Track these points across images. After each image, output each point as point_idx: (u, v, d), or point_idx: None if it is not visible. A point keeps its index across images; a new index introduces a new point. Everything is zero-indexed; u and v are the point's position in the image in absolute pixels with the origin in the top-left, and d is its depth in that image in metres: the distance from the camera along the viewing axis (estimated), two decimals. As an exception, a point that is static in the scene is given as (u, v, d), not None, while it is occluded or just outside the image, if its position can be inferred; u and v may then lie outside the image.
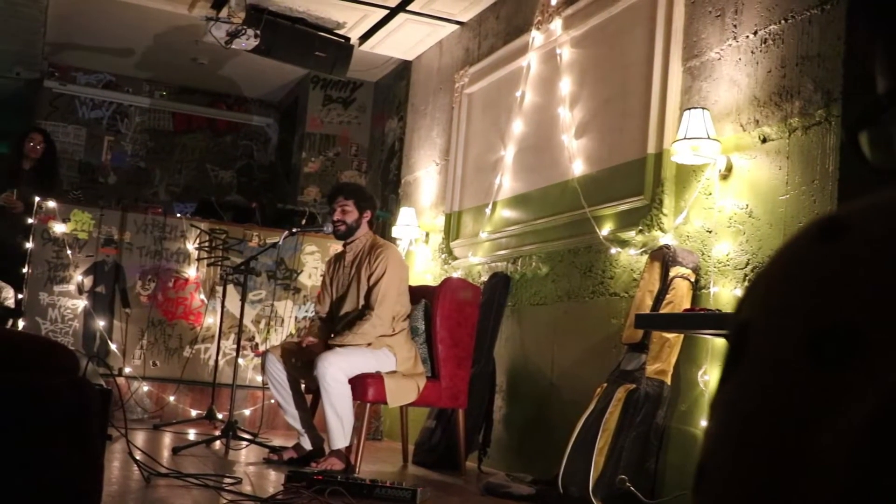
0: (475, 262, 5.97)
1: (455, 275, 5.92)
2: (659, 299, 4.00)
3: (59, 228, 6.45)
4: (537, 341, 5.18)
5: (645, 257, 4.28)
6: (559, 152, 5.23)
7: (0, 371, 1.38)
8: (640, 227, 4.35)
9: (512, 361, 5.36)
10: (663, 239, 4.22)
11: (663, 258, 4.05)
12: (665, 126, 4.33)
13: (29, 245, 6.38)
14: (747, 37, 3.95)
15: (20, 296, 6.32)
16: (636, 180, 4.49)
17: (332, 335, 4.80)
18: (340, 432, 4.50)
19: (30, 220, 6.41)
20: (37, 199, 6.44)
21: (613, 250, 4.58)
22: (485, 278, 5.73)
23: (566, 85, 5.25)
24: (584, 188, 4.87)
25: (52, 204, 6.48)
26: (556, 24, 5.37)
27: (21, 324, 6.12)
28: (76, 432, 1.50)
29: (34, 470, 1.41)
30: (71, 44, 8.63)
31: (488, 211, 5.87)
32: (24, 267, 6.36)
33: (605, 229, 4.65)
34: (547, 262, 5.20)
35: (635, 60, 4.69)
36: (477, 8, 6.48)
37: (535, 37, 5.59)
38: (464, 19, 6.72)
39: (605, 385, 4.10)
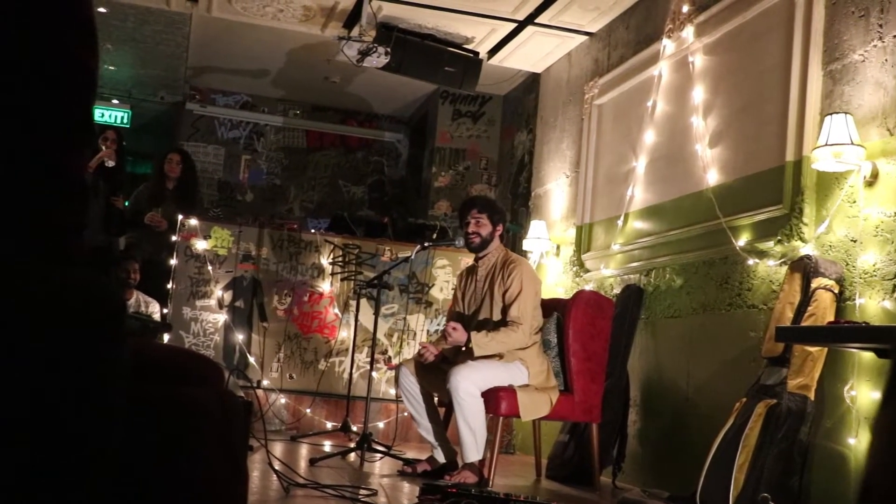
0: (607, 275, 5.90)
1: (587, 287, 5.86)
2: (800, 311, 3.86)
3: (200, 245, 6.69)
4: (672, 354, 5.07)
5: (784, 268, 4.15)
6: (692, 162, 5.12)
7: (153, 382, 1.44)
8: (779, 238, 4.22)
9: (646, 375, 5.27)
10: (804, 249, 4.08)
11: (804, 269, 3.91)
12: (804, 132, 4.19)
13: (173, 262, 6.63)
14: (895, 36, 3.78)
15: (165, 310, 6.56)
16: (774, 189, 4.35)
17: (470, 339, 4.78)
18: (473, 445, 4.50)
19: (173, 238, 6.66)
20: (179, 217, 6.69)
21: (751, 261, 4.45)
22: (617, 291, 5.66)
23: (699, 93, 5.14)
24: (719, 198, 4.76)
25: (193, 222, 6.72)
26: (688, 32, 5.27)
27: (166, 337, 6.36)
28: (223, 443, 1.54)
29: (185, 479, 1.45)
30: (210, 67, 8.97)
31: (620, 222, 5.80)
32: (168, 283, 6.61)
33: (742, 240, 4.53)
34: (681, 273, 5.09)
35: (772, 66, 4.55)
36: (606, 18, 6.43)
37: (667, 45, 5.50)
38: (592, 30, 6.67)
39: (745, 400, 3.97)
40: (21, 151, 1.28)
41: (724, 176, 4.83)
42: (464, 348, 4.69)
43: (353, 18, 6.81)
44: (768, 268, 4.34)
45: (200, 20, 7.46)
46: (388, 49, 6.60)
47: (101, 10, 7.12)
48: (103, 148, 6.76)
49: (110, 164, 6.63)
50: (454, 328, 4.63)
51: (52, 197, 1.27)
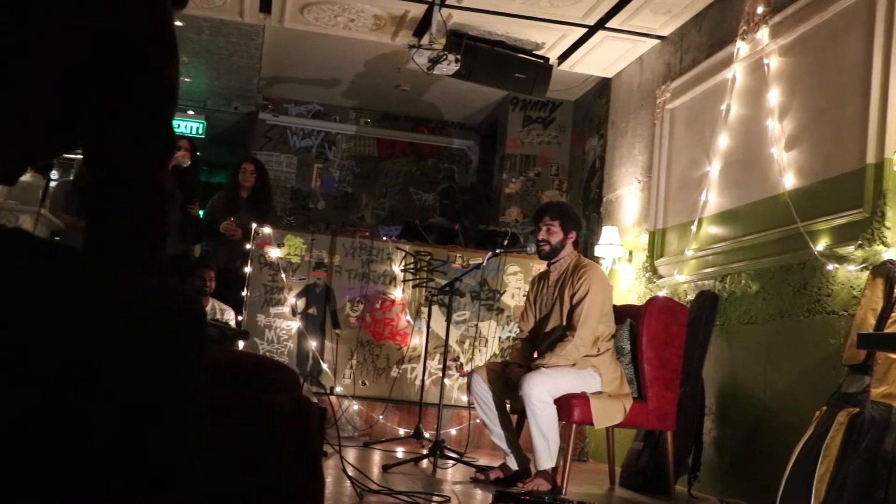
0: (681, 281, 5.82)
1: (660, 294, 5.79)
2: (883, 318, 3.76)
3: (273, 253, 6.77)
4: (748, 362, 4.98)
5: (866, 273, 4.05)
6: (768, 166, 5.03)
7: (232, 389, 1.46)
8: (860, 242, 4.12)
9: (722, 382, 5.18)
10: (886, 254, 3.97)
11: (887, 274, 3.81)
12: (886, 134, 4.08)
13: (247, 269, 6.72)
14: (977, 35, 3.67)
15: (240, 318, 6.66)
16: (854, 192, 4.25)
17: (535, 356, 4.80)
18: (546, 453, 4.48)
19: (248, 246, 6.75)
20: (253, 225, 6.78)
21: (830, 266, 4.35)
22: (691, 297, 5.58)
23: (774, 96, 5.05)
24: (796, 202, 4.66)
25: (267, 230, 6.81)
26: (763, 33, 5.18)
27: (241, 344, 6.44)
28: (300, 448, 1.56)
29: (265, 484, 1.47)
30: (283, 77, 9.09)
31: (694, 228, 5.72)
32: (243, 290, 6.70)
33: (821, 245, 4.43)
34: (757, 279, 5.00)
35: (850, 66, 4.45)
36: (678, 21, 6.36)
37: (740, 47, 5.42)
38: (664, 33, 6.61)
39: (825, 408, 3.88)
40: (105, 163, 1.31)
41: (801, 179, 4.74)
42: (534, 356, 4.67)
43: (423, 27, 6.84)
44: (849, 273, 4.24)
45: (273, 31, 7.56)
46: (458, 56, 6.61)
47: (178, 23, 7.26)
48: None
49: (186, 163, 6.70)
50: (513, 371, 4.66)
51: (136, 207, 1.30)
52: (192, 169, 6.86)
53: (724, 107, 5.56)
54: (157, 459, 1.13)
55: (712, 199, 5.63)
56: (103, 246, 1.30)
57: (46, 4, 1.26)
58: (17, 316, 1.09)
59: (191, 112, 9.82)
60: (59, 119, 1.31)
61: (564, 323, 4.74)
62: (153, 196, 1.31)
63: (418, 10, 6.64)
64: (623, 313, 4.98)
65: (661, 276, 6.12)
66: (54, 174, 5.88)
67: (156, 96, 1.34)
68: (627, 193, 7.02)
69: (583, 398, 4.51)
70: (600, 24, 6.59)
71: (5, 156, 1.25)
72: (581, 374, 4.58)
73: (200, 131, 9.84)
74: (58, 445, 1.09)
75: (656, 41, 6.76)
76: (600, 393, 4.58)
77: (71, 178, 6.53)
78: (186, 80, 9.02)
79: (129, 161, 1.31)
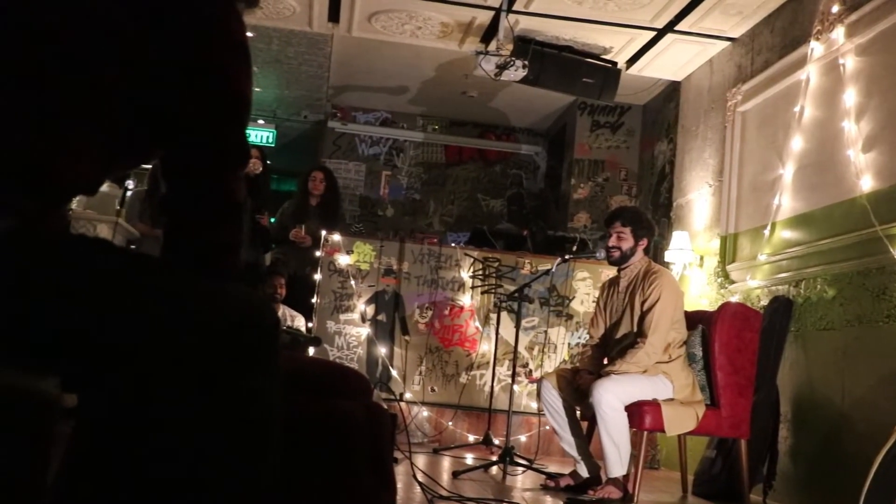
0: (754, 286, 5.72)
1: (732, 299, 5.70)
2: (966, 323, 3.65)
3: (343, 260, 6.83)
4: (825, 369, 4.87)
5: (948, 278, 3.93)
6: (844, 168, 4.92)
7: (306, 395, 1.47)
8: (942, 246, 4.01)
9: (797, 390, 5.08)
10: (969, 257, 3.86)
11: (970, 278, 3.70)
12: (968, 134, 3.97)
13: (317, 276, 6.78)
14: None
15: (310, 324, 6.72)
16: (935, 195, 4.14)
17: (605, 363, 4.76)
18: (617, 460, 4.43)
19: (317, 253, 6.82)
20: (323, 233, 6.84)
21: (910, 271, 4.24)
22: (764, 302, 5.48)
23: (851, 96, 4.94)
24: (874, 205, 4.55)
25: (336, 237, 6.87)
26: (838, 33, 5.08)
27: (311, 350, 6.50)
28: (372, 453, 1.57)
29: (338, 489, 1.48)
30: (351, 86, 9.17)
31: (767, 232, 5.62)
32: (313, 297, 6.77)
33: (900, 248, 4.32)
34: (833, 284, 4.89)
35: (930, 65, 4.34)
36: (749, 23, 6.26)
37: (815, 48, 5.31)
38: (735, 35, 6.51)
39: (906, 417, 3.78)
40: (182, 173, 1.33)
41: (879, 182, 4.62)
42: (604, 362, 4.63)
43: (490, 33, 6.85)
44: (929, 277, 4.13)
45: (341, 40, 7.63)
46: (526, 62, 6.60)
47: (248, 34, 7.37)
48: None
49: (257, 171, 6.77)
50: (583, 378, 4.63)
51: (212, 215, 1.32)
52: (262, 177, 6.94)
53: (797, 108, 5.46)
54: (232, 466, 1.14)
55: (786, 202, 5.53)
56: (180, 254, 1.32)
57: (124, 18, 1.29)
58: (101, 321, 1.12)
59: (261, 121, 9.96)
60: (138, 130, 1.34)
61: (635, 329, 4.69)
62: (228, 205, 1.33)
63: (485, 16, 6.65)
64: (694, 319, 4.92)
65: (733, 282, 6.02)
66: (129, 184, 6.00)
67: (230, 107, 1.36)
68: (698, 198, 6.92)
69: (654, 405, 4.46)
70: (669, 27, 6.52)
71: (88, 167, 1.28)
72: (652, 380, 4.53)
73: (270, 140, 9.97)
74: (145, 451, 1.11)
75: (727, 43, 6.66)
76: (672, 400, 4.53)
77: (144, 187, 6.66)
78: (257, 89, 9.15)
79: (204, 171, 1.33)
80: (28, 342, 1.12)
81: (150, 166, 5.96)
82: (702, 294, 6.48)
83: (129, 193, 5.97)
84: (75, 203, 5.88)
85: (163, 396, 1.11)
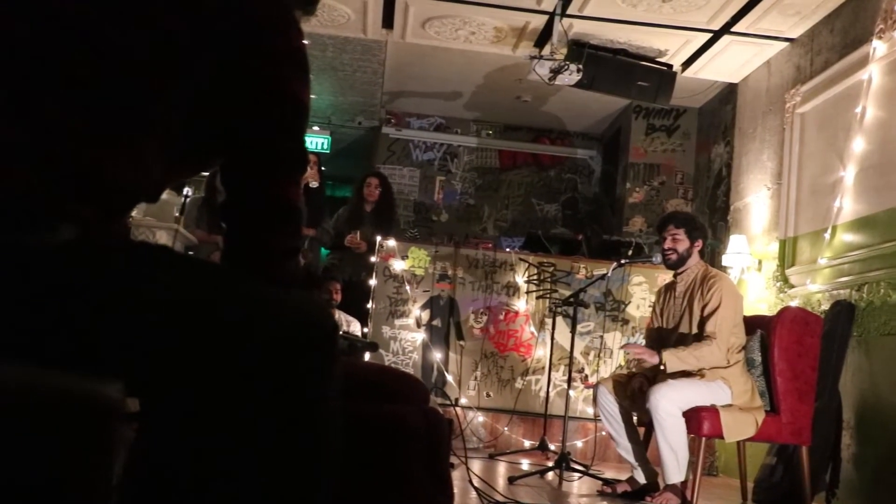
0: (814, 290, 5.63)
1: (792, 304, 5.61)
2: None
3: (398, 265, 6.85)
4: (890, 375, 4.77)
5: None
6: (908, 169, 4.83)
7: (364, 400, 1.48)
8: None
9: (861, 396, 4.98)
10: None
11: None
12: None
13: (372, 282, 6.82)
14: None
15: (365, 329, 6.75)
16: None
17: (662, 368, 4.70)
18: (675, 467, 4.39)
19: (372, 259, 6.85)
20: (378, 238, 6.87)
21: (977, 274, 4.14)
22: (825, 307, 5.39)
23: (914, 96, 4.84)
24: (938, 207, 4.46)
25: (391, 243, 6.89)
26: (900, 32, 4.98)
27: (367, 356, 6.53)
28: (430, 459, 1.57)
29: (396, 494, 1.48)
30: (405, 91, 9.21)
31: (827, 235, 5.53)
32: (368, 302, 6.80)
33: (967, 251, 4.22)
34: (897, 288, 4.79)
35: None
36: (808, 23, 6.17)
37: (877, 47, 5.21)
38: (793, 35, 6.42)
39: (974, 424, 3.69)
40: (242, 180, 1.35)
41: (943, 183, 4.52)
42: (661, 366, 4.57)
43: (544, 37, 6.83)
44: None
45: (395, 46, 7.67)
46: (580, 66, 6.57)
47: (303, 41, 7.44)
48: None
49: (314, 184, 6.84)
50: (641, 353, 4.58)
51: (271, 222, 1.33)
52: (318, 190, 6.93)
53: (858, 109, 5.36)
54: (293, 470, 1.15)
55: (847, 205, 5.43)
56: (240, 260, 1.34)
57: (181, 26, 1.30)
58: (165, 328, 1.13)
59: (316, 128, 10.03)
60: (197, 138, 1.36)
61: (694, 333, 4.64)
62: (288, 211, 1.34)
63: (539, 21, 6.63)
64: (753, 324, 4.85)
65: (792, 286, 5.93)
66: (187, 191, 6.08)
67: (289, 114, 1.37)
68: (756, 201, 6.83)
69: (712, 411, 4.41)
70: (726, 29, 6.45)
71: (149, 175, 1.30)
72: (710, 386, 4.47)
73: (325, 146, 10.04)
74: (206, 454, 1.12)
75: (785, 44, 6.57)
76: (730, 406, 4.47)
77: (201, 194, 6.74)
78: (312, 96, 9.18)
79: (264, 178, 1.34)
80: (92, 349, 1.14)
81: (206, 174, 6.05)
82: (760, 298, 6.39)
83: (186, 201, 6.05)
84: (135, 210, 5.97)
85: (224, 401, 1.12)
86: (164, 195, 5.82)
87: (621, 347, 4.81)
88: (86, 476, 1.08)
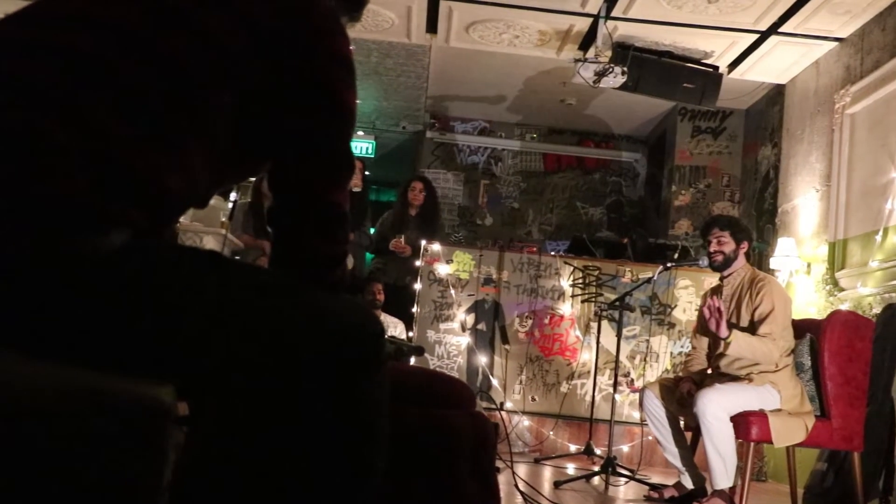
0: (865, 294, 5.54)
1: (842, 307, 5.53)
2: None
3: (442, 270, 6.86)
4: (943, 379, 4.69)
5: None
6: (961, 170, 4.74)
7: (410, 404, 1.49)
8: None
9: (913, 401, 4.89)
10: None
11: None
12: None
13: (417, 286, 6.83)
14: None
15: (410, 333, 6.76)
16: None
17: (709, 372, 4.66)
18: (723, 472, 4.34)
19: (417, 263, 6.87)
20: (422, 242, 6.89)
21: None
22: (877, 310, 5.30)
23: (967, 96, 4.75)
24: None
25: (436, 247, 6.90)
26: (952, 31, 4.89)
27: (412, 360, 6.54)
28: (476, 463, 1.57)
29: (444, 497, 1.49)
30: (449, 96, 9.22)
31: (878, 238, 5.44)
32: (413, 306, 6.81)
33: None
34: (951, 291, 4.71)
35: None
36: (858, 22, 6.08)
37: (927, 46, 5.13)
38: (843, 35, 6.33)
39: None
40: (289, 184, 1.36)
41: None
42: (723, 341, 4.49)
43: (588, 40, 6.81)
44: None
45: (439, 50, 7.68)
46: (625, 68, 6.54)
47: (350, 47, 7.48)
48: None
49: (356, 189, 6.88)
50: (719, 320, 4.47)
51: (319, 226, 1.35)
52: (361, 194, 6.98)
53: (909, 110, 5.28)
54: (341, 473, 1.16)
55: (898, 207, 5.35)
56: (288, 265, 1.35)
57: (230, 34, 1.32)
58: (215, 332, 1.15)
59: (360, 132, 10.08)
60: (246, 144, 1.37)
61: (741, 337, 4.59)
62: (334, 216, 1.35)
63: (583, 23, 6.61)
64: (802, 328, 4.78)
65: (842, 289, 5.84)
66: (234, 196, 6.14)
67: (336, 120, 1.38)
68: (804, 203, 6.75)
69: (761, 415, 4.36)
70: (773, 30, 6.38)
71: (200, 181, 1.31)
72: (759, 390, 4.42)
73: (370, 151, 10.08)
74: (257, 457, 1.13)
75: (834, 44, 6.48)
76: (779, 410, 4.41)
77: (248, 199, 6.80)
78: (357, 101, 9.26)
79: (311, 183, 1.35)
80: (146, 353, 1.15)
81: (253, 179, 6.09)
82: (809, 302, 6.31)
83: (234, 206, 6.10)
84: (182, 216, 6.04)
85: (275, 404, 1.13)
86: (212, 200, 5.89)
87: (703, 306, 4.72)
88: (142, 477, 1.09)
